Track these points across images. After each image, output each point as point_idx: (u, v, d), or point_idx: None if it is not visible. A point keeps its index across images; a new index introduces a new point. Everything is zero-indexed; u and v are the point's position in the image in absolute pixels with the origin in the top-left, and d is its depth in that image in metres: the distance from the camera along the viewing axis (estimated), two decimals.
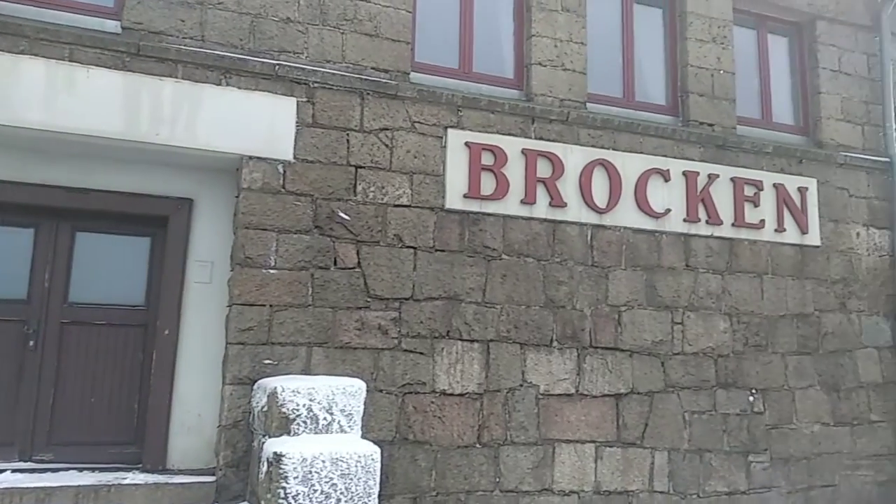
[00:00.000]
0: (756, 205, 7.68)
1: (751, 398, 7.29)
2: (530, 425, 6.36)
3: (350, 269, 6.02)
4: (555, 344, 6.61)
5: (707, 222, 7.41)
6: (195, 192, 6.13)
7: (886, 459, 7.86)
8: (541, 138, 6.88)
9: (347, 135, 6.20)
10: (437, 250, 6.33)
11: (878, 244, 8.35)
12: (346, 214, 6.03)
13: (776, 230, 7.74)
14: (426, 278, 6.25)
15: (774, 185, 7.81)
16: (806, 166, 8.07)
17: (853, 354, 7.95)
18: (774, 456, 7.28)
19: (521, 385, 6.42)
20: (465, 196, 6.48)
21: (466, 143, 6.57)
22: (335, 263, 5.98)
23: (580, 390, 6.61)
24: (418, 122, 6.45)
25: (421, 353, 6.13)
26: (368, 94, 6.30)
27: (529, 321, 6.56)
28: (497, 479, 6.18)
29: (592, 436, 6.57)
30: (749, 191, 7.67)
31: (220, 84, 5.87)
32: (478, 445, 6.18)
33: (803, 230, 7.90)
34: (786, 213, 7.83)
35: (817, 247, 7.96)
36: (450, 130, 6.54)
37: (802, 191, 7.96)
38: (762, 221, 7.67)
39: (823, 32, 8.56)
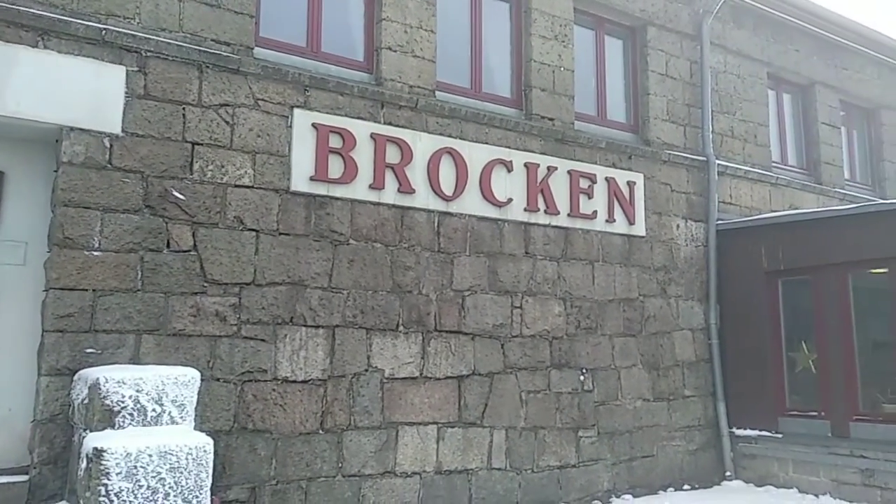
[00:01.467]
0: (590, 196, 8.17)
1: (581, 377, 7.79)
2: (374, 409, 6.39)
3: (185, 252, 5.70)
4: (401, 328, 6.67)
5: (545, 212, 7.78)
6: (6, 164, 5.51)
7: (697, 430, 8.71)
8: (390, 124, 6.88)
9: (184, 109, 5.84)
10: (281, 234, 6.15)
11: (695, 235, 9.19)
12: (180, 194, 5.69)
13: (607, 221, 8.29)
14: (269, 262, 6.06)
15: (607, 178, 8.35)
16: (635, 162, 8.70)
17: (671, 336, 8.72)
18: (601, 431, 7.84)
19: (367, 370, 6.42)
20: (311, 179, 6.35)
21: (314, 125, 6.42)
22: (168, 246, 5.63)
23: (424, 373, 6.73)
24: (262, 100, 6.21)
25: (262, 340, 5.94)
26: (208, 67, 5.97)
27: (376, 306, 6.56)
28: (340, 465, 6.15)
29: (435, 417, 6.71)
30: (584, 183, 8.14)
31: (36, 46, 5.31)
32: (321, 432, 6.11)
33: (631, 221, 8.51)
34: (616, 205, 8.40)
35: (643, 237, 8.62)
36: (296, 110, 6.36)
37: (631, 185, 8.57)
38: (595, 212, 8.18)
39: (654, 38, 9.24)
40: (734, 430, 8.72)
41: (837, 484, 7.71)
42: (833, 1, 11.24)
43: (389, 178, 6.77)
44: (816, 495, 7.78)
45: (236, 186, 6.00)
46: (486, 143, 7.47)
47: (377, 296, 6.57)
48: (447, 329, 6.93)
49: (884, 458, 7.30)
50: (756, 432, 8.53)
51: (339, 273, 6.39)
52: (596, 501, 7.57)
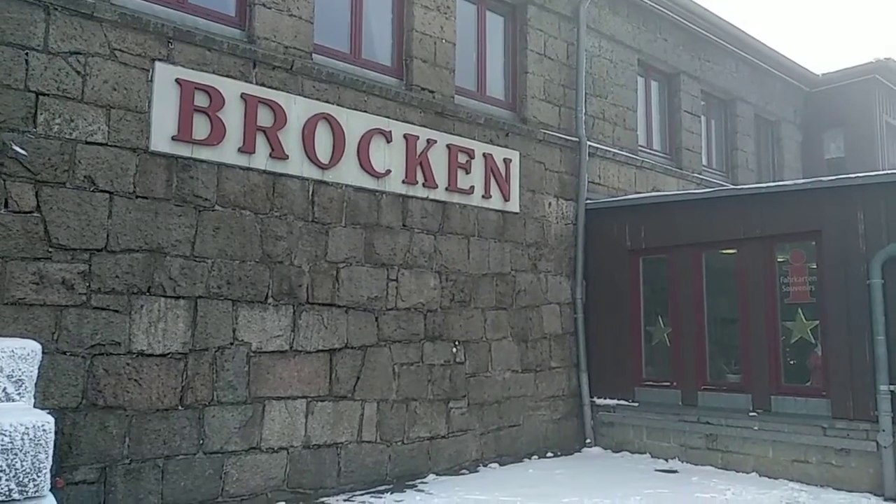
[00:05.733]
0: (468, 172, 8.21)
1: (454, 350, 7.87)
2: (240, 384, 6.13)
3: (26, 213, 5.15)
4: (270, 300, 6.42)
5: (424, 185, 7.73)
6: None
7: (560, 400, 9.08)
8: (263, 85, 6.53)
9: (26, 54, 5.23)
10: (138, 197, 5.70)
11: (566, 213, 9.49)
12: (21, 148, 5.11)
13: (483, 196, 8.37)
14: (124, 227, 5.61)
15: (484, 154, 8.42)
16: (511, 139, 8.82)
17: (540, 309, 8.99)
18: (471, 402, 7.99)
19: (232, 343, 6.13)
20: (174, 139, 5.91)
21: (178, 80, 5.97)
22: (6, 206, 5.06)
23: (295, 347, 6.53)
24: (120, 50, 5.69)
25: (115, 311, 5.51)
26: (56, 9, 5.37)
27: (244, 277, 6.27)
28: (201, 442, 5.86)
29: (305, 391, 6.55)
30: (462, 158, 8.16)
31: None
32: (180, 408, 5.79)
33: (506, 198, 8.65)
34: (493, 182, 8.50)
35: (516, 213, 8.80)
36: (158, 64, 5.88)
37: (507, 162, 8.70)
38: (472, 188, 8.23)
39: (533, 17, 9.35)
40: (595, 399, 9.17)
41: (685, 448, 8.30)
42: None
43: (261, 141, 6.45)
44: (666, 459, 8.35)
45: (87, 143, 5.48)
46: (366, 112, 7.29)
47: (245, 266, 6.27)
48: (320, 301, 6.75)
49: (725, 424, 7.93)
50: (615, 401, 9.02)
51: (203, 241, 6.03)
52: (464, 471, 7.72)
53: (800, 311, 7.66)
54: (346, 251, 6.99)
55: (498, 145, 8.63)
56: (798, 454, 7.36)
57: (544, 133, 9.22)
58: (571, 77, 9.77)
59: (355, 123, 7.16)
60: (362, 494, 6.64)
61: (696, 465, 8.07)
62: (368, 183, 7.24)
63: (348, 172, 7.07)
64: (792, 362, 7.88)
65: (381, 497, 6.56)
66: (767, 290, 7.88)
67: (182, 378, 5.83)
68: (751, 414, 7.77)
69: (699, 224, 8.51)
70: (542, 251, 9.11)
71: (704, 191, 9.50)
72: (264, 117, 6.49)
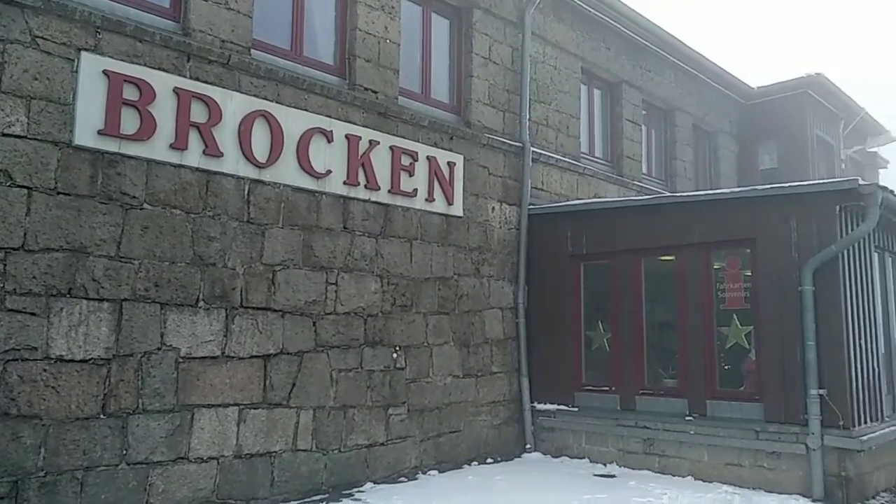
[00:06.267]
0: (411, 174, 8.10)
1: (394, 355, 7.74)
2: (167, 391, 5.85)
3: None
4: (201, 304, 6.16)
5: (366, 187, 7.58)
6: None
7: (502, 405, 9.04)
8: (197, 79, 6.28)
9: None
10: (60, 193, 5.38)
11: (509, 218, 9.48)
12: None
13: (427, 199, 8.27)
14: (44, 225, 5.28)
15: (428, 157, 8.32)
16: (456, 143, 8.76)
17: (482, 314, 8.94)
18: (411, 408, 7.86)
19: (160, 349, 5.85)
20: (100, 133, 5.62)
21: (105, 72, 5.68)
22: None
23: (227, 352, 6.28)
24: (42, 38, 5.37)
25: (32, 314, 5.18)
26: None
27: (173, 279, 5.99)
28: (124, 452, 5.57)
29: (237, 399, 6.31)
30: (406, 160, 8.04)
31: None
32: (102, 416, 5.48)
33: (449, 201, 8.58)
34: (436, 185, 8.41)
35: (460, 217, 8.73)
36: (84, 54, 5.58)
37: (451, 165, 8.62)
38: (415, 190, 8.12)
39: (479, 21, 9.32)
40: (536, 404, 9.17)
41: (623, 453, 8.37)
42: (642, 4, 12.08)
43: (194, 138, 6.20)
44: (605, 464, 8.39)
45: (4, 135, 5.14)
46: (306, 110, 7.10)
47: (175, 268, 6.00)
48: (255, 305, 6.52)
49: (662, 428, 8.02)
50: (555, 406, 9.03)
51: (129, 241, 5.74)
52: (403, 479, 7.58)
53: (735, 316, 7.82)
54: (283, 253, 6.78)
55: (442, 148, 8.55)
56: (732, 458, 7.49)
57: (489, 137, 9.19)
58: (516, 82, 9.78)
59: (295, 122, 6.97)
60: None
61: (633, 469, 8.14)
62: (308, 183, 7.04)
63: (287, 172, 6.86)
64: (727, 367, 8.02)
65: None
66: (704, 297, 8.01)
67: (105, 385, 5.52)
68: (687, 418, 7.88)
69: (639, 231, 8.61)
70: (485, 256, 9.06)
71: (644, 198, 9.62)
72: (198, 113, 6.24)
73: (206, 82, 6.33)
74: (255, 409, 6.42)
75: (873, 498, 7.01)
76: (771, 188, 7.73)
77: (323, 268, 7.13)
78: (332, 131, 7.28)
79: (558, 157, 10.40)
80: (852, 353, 7.04)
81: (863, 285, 7.49)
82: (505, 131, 9.55)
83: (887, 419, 7.72)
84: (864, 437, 6.83)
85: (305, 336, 6.90)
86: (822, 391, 6.91)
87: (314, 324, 6.99)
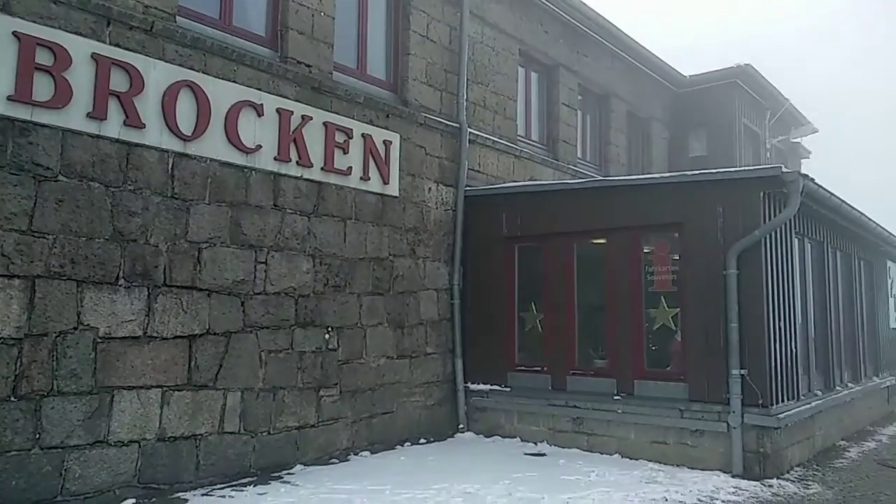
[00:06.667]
0: (345, 152, 7.94)
1: (326, 336, 7.61)
2: (84, 373, 5.58)
3: None
4: (121, 282, 5.89)
5: (298, 163, 7.39)
6: None
7: (435, 386, 9.04)
8: (118, 45, 5.96)
9: None
10: None
11: (445, 199, 9.43)
12: None
13: (362, 178, 8.13)
14: None
15: (363, 135, 8.17)
16: (392, 121, 8.63)
17: (417, 295, 8.89)
18: (344, 389, 7.76)
19: (76, 328, 5.57)
20: (10, 99, 5.27)
21: (16, 34, 5.32)
22: None
23: (149, 332, 6.04)
24: None
25: None
26: None
27: (91, 255, 5.70)
28: (37, 436, 5.29)
29: (160, 380, 6.08)
30: (340, 137, 7.87)
31: None
32: (13, 399, 5.19)
33: (385, 181, 8.46)
34: (371, 163, 8.27)
35: (395, 197, 8.63)
36: None
37: (387, 144, 8.50)
38: (350, 168, 7.97)
39: None
40: (469, 385, 9.21)
41: (554, 432, 8.50)
42: None
43: (114, 107, 5.89)
44: (535, 443, 8.51)
45: None
46: (235, 82, 6.85)
47: (93, 244, 5.71)
48: (179, 284, 6.28)
49: (592, 408, 8.18)
50: (488, 387, 9.09)
51: (43, 214, 5.42)
52: (334, 460, 7.50)
53: (662, 299, 8.01)
54: (209, 231, 6.55)
55: (378, 126, 8.41)
56: (657, 436, 7.71)
57: (425, 117, 9.09)
58: (454, 62, 9.69)
59: (223, 94, 6.71)
60: (223, 488, 6.27)
61: (563, 448, 8.28)
62: (236, 158, 6.81)
63: (214, 146, 6.61)
64: (654, 348, 8.23)
65: (243, 490, 6.22)
66: (633, 279, 8.17)
67: (16, 366, 5.22)
68: (615, 398, 8.05)
69: (572, 214, 8.70)
70: (420, 236, 9.00)
71: (578, 181, 9.75)
72: (119, 81, 5.93)
73: (127, 49, 6.01)
74: (179, 390, 6.21)
75: (788, 472, 7.34)
76: (699, 174, 7.93)
77: (252, 246, 6.92)
78: (262, 105, 7.05)
79: (495, 139, 10.39)
80: (772, 334, 7.32)
81: (783, 270, 7.78)
82: (442, 111, 9.47)
83: (803, 398, 8.08)
84: (782, 415, 7.12)
85: (233, 316, 6.71)
86: (743, 371, 7.16)
87: (242, 304, 6.80)
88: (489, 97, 10.42)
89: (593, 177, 12.48)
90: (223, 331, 6.60)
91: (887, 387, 12.21)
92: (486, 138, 10.19)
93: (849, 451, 8.70)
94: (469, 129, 9.70)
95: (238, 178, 6.83)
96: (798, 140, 20.00)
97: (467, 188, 9.58)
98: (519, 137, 11.18)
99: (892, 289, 13.90)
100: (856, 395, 10.15)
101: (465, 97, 9.74)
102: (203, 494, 6.06)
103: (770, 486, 6.74)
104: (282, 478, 6.68)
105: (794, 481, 6.99)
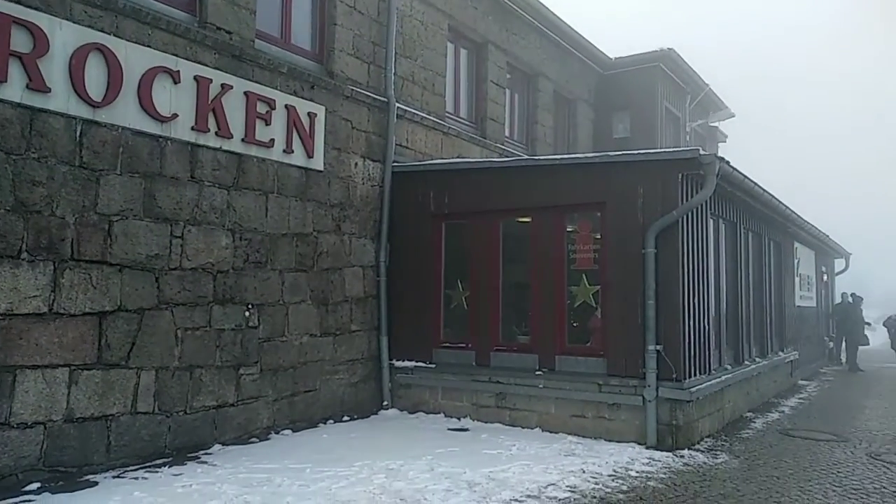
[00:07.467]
0: (268, 123, 7.70)
1: (247, 313, 7.42)
2: None
3: None
4: (24, 255, 5.55)
5: (217, 134, 7.12)
6: None
7: (360, 363, 8.98)
8: (19, 3, 5.55)
9: None
10: None
11: (372, 175, 9.30)
12: None
13: (285, 151, 7.92)
14: None
15: (287, 106, 7.94)
16: (317, 93, 8.41)
17: (343, 272, 8.77)
18: (264, 367, 7.61)
19: None
20: None
21: None
22: None
23: (55, 309, 5.72)
24: None
25: None
26: None
27: None
28: None
29: (67, 359, 5.78)
30: (262, 108, 7.62)
31: None
32: None
33: (309, 154, 8.26)
34: (295, 136, 8.06)
35: (320, 171, 8.44)
36: None
37: (312, 116, 8.29)
38: (272, 141, 7.74)
39: None
40: (394, 361, 9.19)
41: (477, 407, 8.60)
42: None
43: (16, 70, 5.49)
44: (459, 418, 8.59)
45: None
46: (149, 47, 6.51)
47: None
48: (88, 258, 5.97)
49: (514, 383, 8.31)
50: (413, 363, 9.10)
51: None
52: (254, 439, 7.36)
53: (584, 276, 8.18)
54: (120, 202, 6.24)
55: (302, 98, 8.18)
56: (577, 410, 7.91)
57: (352, 90, 8.91)
58: (382, 35, 9.51)
59: (136, 58, 6.37)
60: (136, 469, 6.05)
61: (486, 422, 8.40)
62: (150, 127, 6.49)
63: (126, 113, 6.28)
64: (575, 325, 8.41)
65: (157, 471, 6.02)
66: (556, 257, 8.31)
67: None
68: (537, 373, 8.20)
69: (498, 192, 8.75)
70: (346, 212, 8.86)
71: (504, 160, 9.79)
72: (20, 41, 5.53)
73: (29, 7, 5.61)
74: (88, 369, 5.93)
75: (699, 443, 7.68)
76: (620, 155, 8.09)
77: (167, 220, 6.65)
78: (179, 71, 6.74)
79: (423, 114, 10.30)
80: (687, 312, 7.59)
81: (699, 249, 8.06)
82: (370, 84, 9.31)
83: (714, 372, 8.45)
84: (693, 389, 7.43)
85: (147, 292, 6.44)
86: (658, 347, 7.41)
87: (157, 279, 6.53)
88: (418, 72, 10.30)
89: (520, 155, 12.57)
90: (136, 307, 6.33)
91: (791, 361, 12.94)
92: (415, 114, 10.09)
93: (755, 422, 9.18)
94: (397, 104, 9.58)
95: (152, 147, 6.52)
96: (716, 124, 20.71)
97: (395, 164, 9.47)
98: (447, 114, 11.13)
99: (797, 268, 14.69)
100: (762, 370, 10.71)
101: (394, 71, 9.59)
102: (114, 476, 5.84)
103: (682, 456, 7.03)
104: (199, 458, 6.51)
105: (703, 451, 7.32)
